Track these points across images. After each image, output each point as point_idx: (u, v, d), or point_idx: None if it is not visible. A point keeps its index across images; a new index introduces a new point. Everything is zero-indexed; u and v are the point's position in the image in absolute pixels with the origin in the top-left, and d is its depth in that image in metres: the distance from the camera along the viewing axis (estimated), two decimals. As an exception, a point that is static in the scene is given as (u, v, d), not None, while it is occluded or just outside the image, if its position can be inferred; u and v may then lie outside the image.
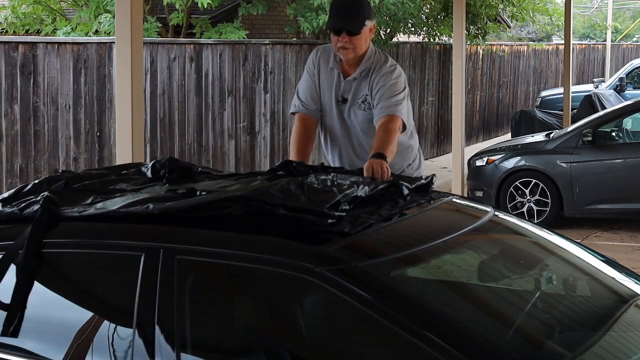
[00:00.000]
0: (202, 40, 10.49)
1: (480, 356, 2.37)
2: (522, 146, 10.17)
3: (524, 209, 9.51)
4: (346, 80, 4.32)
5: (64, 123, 8.38)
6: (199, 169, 3.56)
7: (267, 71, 10.88)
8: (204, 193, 2.97)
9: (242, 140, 10.52)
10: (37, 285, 2.89)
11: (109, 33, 11.01)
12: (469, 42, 15.11)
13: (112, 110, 8.46)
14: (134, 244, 2.85)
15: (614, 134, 9.63)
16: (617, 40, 32.09)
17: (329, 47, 4.39)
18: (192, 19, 12.80)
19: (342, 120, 4.37)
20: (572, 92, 12.70)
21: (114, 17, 5.56)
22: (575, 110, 13.66)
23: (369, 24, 4.25)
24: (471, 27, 14.86)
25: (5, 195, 3.26)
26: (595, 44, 28.06)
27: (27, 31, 12.55)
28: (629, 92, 16.86)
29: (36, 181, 3.35)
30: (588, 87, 17.68)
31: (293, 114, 4.47)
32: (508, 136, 16.21)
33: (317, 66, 4.40)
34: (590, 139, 9.34)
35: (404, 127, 4.27)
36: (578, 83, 21.89)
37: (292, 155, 4.25)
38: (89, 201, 3.07)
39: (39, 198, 3.04)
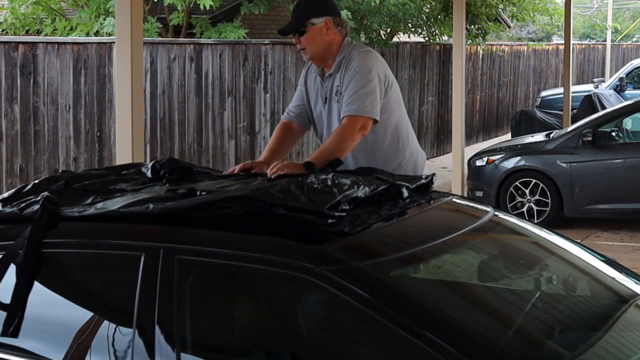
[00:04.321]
0: (202, 40, 10.48)
1: (480, 356, 2.37)
2: (522, 146, 10.16)
3: (524, 209, 9.51)
4: (324, 78, 4.20)
5: (64, 123, 8.38)
6: (197, 169, 3.57)
7: (267, 71, 10.88)
8: (204, 193, 2.97)
9: (242, 140, 10.52)
10: (37, 285, 2.89)
11: (111, 34, 11.00)
12: (469, 42, 15.12)
13: (112, 110, 8.46)
14: (134, 244, 2.85)
15: (614, 134, 9.63)
16: (617, 40, 32.08)
17: None
18: (192, 19, 12.80)
19: (328, 121, 4.21)
20: (572, 92, 12.71)
21: (115, 18, 5.55)
22: (575, 110, 13.66)
23: (317, 20, 4.06)
24: (471, 27, 14.87)
25: (5, 195, 3.26)
26: (595, 44, 28.05)
27: (27, 31, 12.54)
28: (629, 92, 16.86)
29: (36, 181, 3.35)
30: (588, 87, 17.68)
31: None
32: (508, 136, 16.21)
33: (304, 76, 4.32)
34: (590, 139, 9.33)
35: (375, 121, 3.99)
36: (578, 83, 21.89)
37: (263, 155, 4.16)
38: (89, 201, 3.06)
39: (39, 198, 3.04)
